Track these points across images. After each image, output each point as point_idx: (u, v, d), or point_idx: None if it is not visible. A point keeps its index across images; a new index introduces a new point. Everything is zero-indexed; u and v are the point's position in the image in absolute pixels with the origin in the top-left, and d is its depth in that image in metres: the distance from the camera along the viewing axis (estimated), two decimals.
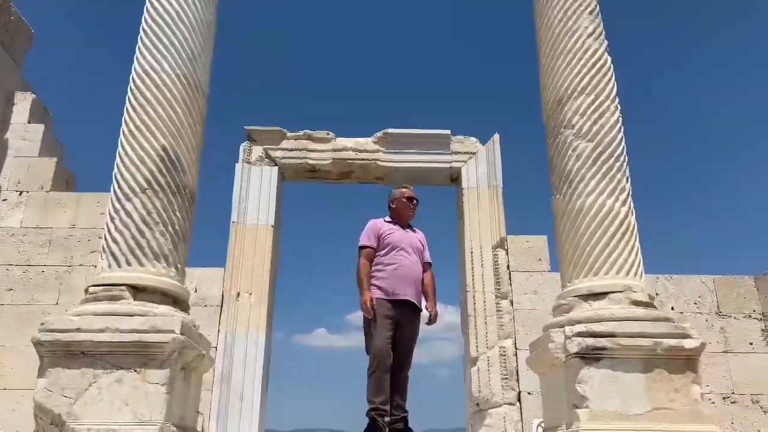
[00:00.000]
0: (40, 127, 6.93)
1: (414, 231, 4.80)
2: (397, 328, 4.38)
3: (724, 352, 6.36)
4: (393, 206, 4.79)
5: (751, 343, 6.45)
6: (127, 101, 4.14)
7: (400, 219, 4.75)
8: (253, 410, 5.81)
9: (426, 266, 4.73)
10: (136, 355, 3.39)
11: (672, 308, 6.44)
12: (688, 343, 3.61)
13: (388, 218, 4.77)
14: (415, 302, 4.53)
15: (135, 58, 4.26)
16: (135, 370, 3.37)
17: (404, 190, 4.87)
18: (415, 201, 4.81)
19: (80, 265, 6.28)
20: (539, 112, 4.77)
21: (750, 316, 6.56)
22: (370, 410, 4.21)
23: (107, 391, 3.31)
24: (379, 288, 4.42)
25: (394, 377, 4.37)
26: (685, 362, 3.62)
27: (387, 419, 4.22)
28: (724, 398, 6.20)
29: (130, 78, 4.21)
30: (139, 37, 4.30)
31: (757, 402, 6.22)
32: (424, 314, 4.67)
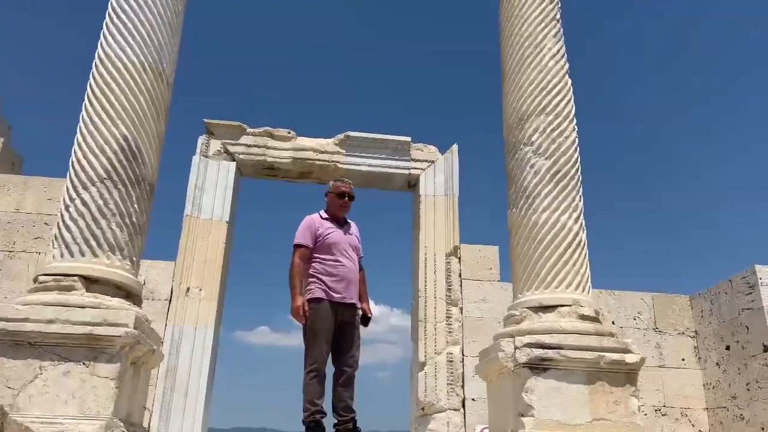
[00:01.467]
0: None
1: (350, 226, 4.70)
2: (339, 330, 4.35)
3: (659, 366, 6.68)
4: (327, 199, 4.65)
5: (683, 359, 6.79)
6: (88, 87, 4.03)
7: (335, 213, 4.63)
8: (197, 407, 5.74)
9: (360, 264, 4.65)
10: (85, 348, 3.30)
11: (613, 322, 6.71)
12: (629, 358, 3.79)
13: (324, 213, 4.64)
14: (356, 303, 4.50)
15: (99, 43, 4.15)
16: (84, 364, 3.29)
17: (339, 184, 4.63)
18: (347, 198, 4.59)
19: (23, 251, 6.06)
20: (498, 124, 4.90)
21: (684, 333, 6.91)
22: (312, 414, 4.17)
23: (54, 383, 3.22)
24: (322, 289, 4.30)
25: (341, 378, 4.37)
26: (626, 376, 3.80)
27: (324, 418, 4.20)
28: (656, 410, 6.50)
29: (93, 64, 4.10)
30: (104, 23, 4.20)
31: (686, 415, 6.55)
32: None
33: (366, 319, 4.63)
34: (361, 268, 4.63)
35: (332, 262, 4.37)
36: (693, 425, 6.51)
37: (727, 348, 6.40)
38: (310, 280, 4.33)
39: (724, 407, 6.36)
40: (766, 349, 5.86)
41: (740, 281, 6.30)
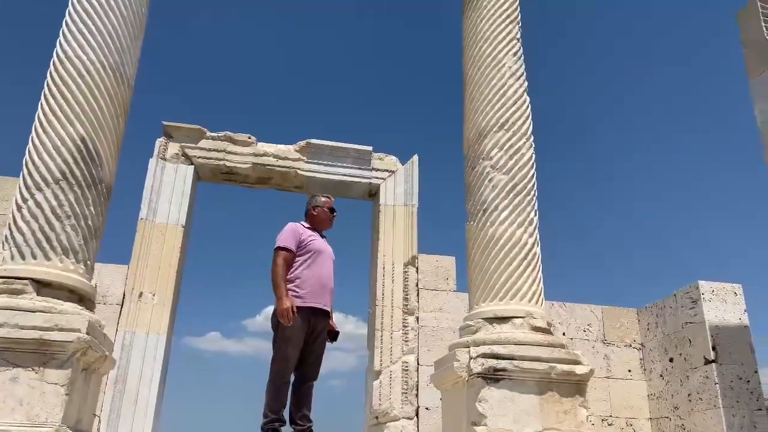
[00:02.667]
0: None
1: (327, 239, 4.81)
2: (311, 337, 4.38)
3: (606, 377, 6.88)
4: (314, 213, 4.72)
5: (629, 371, 7.02)
6: (45, 86, 3.94)
7: (319, 226, 4.73)
8: (147, 416, 5.62)
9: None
10: (35, 354, 3.22)
11: (564, 334, 6.88)
12: (578, 369, 3.92)
13: (305, 223, 4.72)
14: (329, 311, 4.56)
15: (58, 42, 4.07)
16: (33, 369, 3.20)
17: (327, 200, 4.84)
18: (335, 213, 4.85)
19: None
20: (458, 136, 5.02)
21: (630, 346, 7.15)
22: (273, 421, 4.17)
23: (1, 389, 3.13)
24: (299, 296, 4.33)
25: (301, 387, 4.38)
26: (575, 386, 3.93)
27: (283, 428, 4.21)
28: (602, 420, 6.69)
29: (51, 62, 4.01)
30: (64, 21, 4.11)
31: (631, 425, 6.77)
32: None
33: (335, 334, 4.66)
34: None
35: (312, 268, 4.42)
36: None
37: (671, 360, 6.65)
38: (289, 284, 4.35)
39: (667, 417, 6.60)
40: (707, 362, 6.12)
41: (684, 296, 6.56)
